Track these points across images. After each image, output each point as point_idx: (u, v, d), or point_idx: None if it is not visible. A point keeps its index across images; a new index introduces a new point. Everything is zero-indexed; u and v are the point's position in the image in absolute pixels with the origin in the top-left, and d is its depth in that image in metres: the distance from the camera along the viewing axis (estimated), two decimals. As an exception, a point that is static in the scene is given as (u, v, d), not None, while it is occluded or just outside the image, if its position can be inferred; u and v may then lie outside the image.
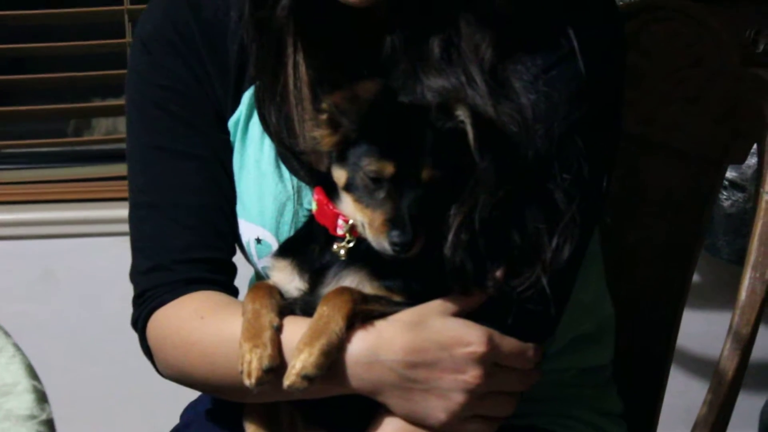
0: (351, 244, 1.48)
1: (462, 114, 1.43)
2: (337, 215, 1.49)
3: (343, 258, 1.49)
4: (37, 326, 3.03)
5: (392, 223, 1.41)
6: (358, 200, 1.44)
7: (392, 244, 1.40)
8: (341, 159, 1.46)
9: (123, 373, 2.96)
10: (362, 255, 1.47)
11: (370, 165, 1.42)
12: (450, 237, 1.45)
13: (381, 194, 1.42)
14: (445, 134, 1.43)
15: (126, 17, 3.09)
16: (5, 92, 3.41)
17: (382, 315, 1.47)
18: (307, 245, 1.53)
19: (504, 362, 1.49)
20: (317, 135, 1.46)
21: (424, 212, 1.42)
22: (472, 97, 1.47)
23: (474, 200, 1.44)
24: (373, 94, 1.43)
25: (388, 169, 1.42)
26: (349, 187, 1.45)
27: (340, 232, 1.49)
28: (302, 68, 1.58)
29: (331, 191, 1.50)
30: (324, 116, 1.45)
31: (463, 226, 1.44)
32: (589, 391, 1.78)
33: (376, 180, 1.42)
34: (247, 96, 1.64)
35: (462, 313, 1.48)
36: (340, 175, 1.46)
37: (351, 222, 1.48)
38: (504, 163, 1.45)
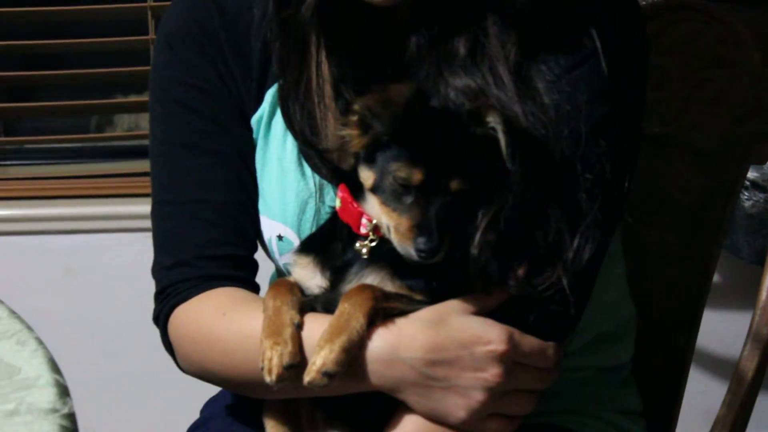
0: (374, 243, 1.48)
1: (493, 120, 1.42)
2: (361, 214, 1.49)
3: (365, 256, 1.49)
4: (59, 321, 3.04)
5: (419, 229, 1.40)
6: (384, 203, 1.44)
7: (418, 250, 1.40)
8: (369, 160, 1.45)
9: (144, 368, 2.97)
10: (384, 254, 1.47)
11: (399, 171, 1.42)
12: (477, 237, 1.44)
13: (408, 199, 1.42)
14: (475, 141, 1.42)
15: (149, 14, 3.09)
16: (27, 88, 3.42)
17: (403, 313, 1.47)
18: (329, 242, 1.53)
19: (524, 361, 1.49)
20: (346, 134, 1.46)
21: (450, 218, 1.42)
22: (498, 96, 1.46)
23: (502, 202, 1.44)
24: (405, 97, 1.42)
25: (417, 176, 1.41)
26: (375, 190, 1.45)
27: (363, 230, 1.49)
28: (325, 66, 1.58)
29: (354, 189, 1.49)
30: (354, 117, 1.45)
31: (491, 227, 1.44)
32: (608, 390, 1.78)
33: (404, 185, 1.42)
34: (270, 93, 1.64)
35: (482, 312, 1.48)
36: (367, 176, 1.46)
37: (374, 221, 1.48)
38: (533, 166, 1.44)
